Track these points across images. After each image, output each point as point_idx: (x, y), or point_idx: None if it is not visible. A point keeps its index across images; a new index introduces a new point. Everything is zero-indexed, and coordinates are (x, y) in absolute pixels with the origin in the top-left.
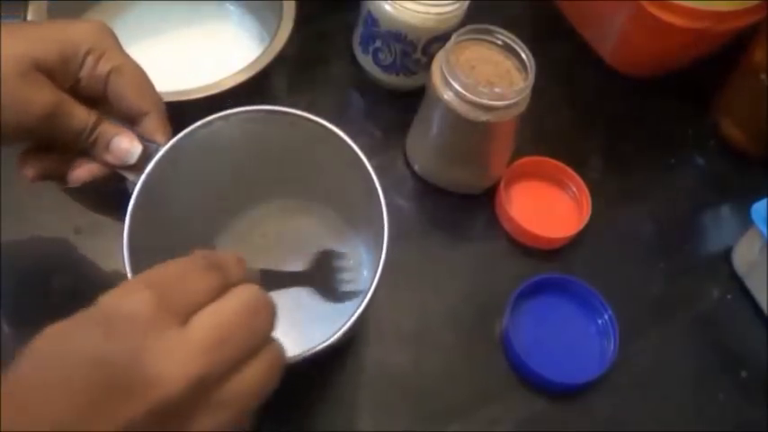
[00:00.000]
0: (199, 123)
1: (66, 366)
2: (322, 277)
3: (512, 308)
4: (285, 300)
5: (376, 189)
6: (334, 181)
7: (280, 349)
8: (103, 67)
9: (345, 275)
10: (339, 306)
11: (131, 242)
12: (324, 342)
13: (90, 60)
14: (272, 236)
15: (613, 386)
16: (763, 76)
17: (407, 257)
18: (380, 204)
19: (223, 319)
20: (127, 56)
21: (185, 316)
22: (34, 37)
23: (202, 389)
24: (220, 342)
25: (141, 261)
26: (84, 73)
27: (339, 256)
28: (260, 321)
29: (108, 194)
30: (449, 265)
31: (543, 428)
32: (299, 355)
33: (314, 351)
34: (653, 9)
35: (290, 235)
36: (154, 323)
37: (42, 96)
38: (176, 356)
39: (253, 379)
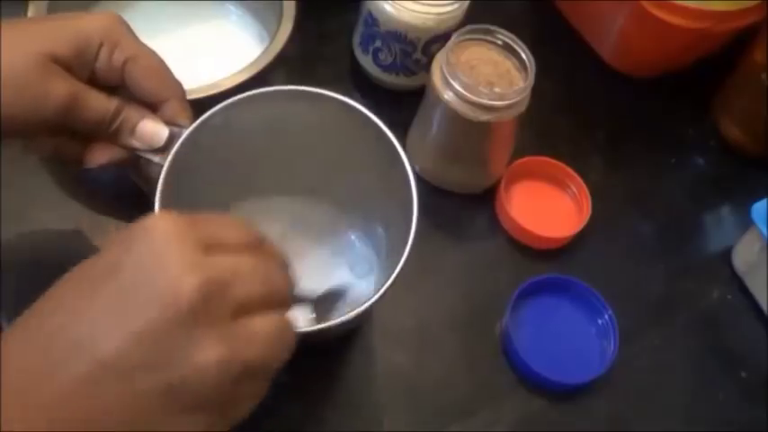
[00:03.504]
0: (220, 106)
1: (82, 278)
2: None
3: (512, 308)
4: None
5: (401, 158)
6: (353, 163)
7: (292, 323)
8: (118, 58)
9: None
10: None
11: None
12: (335, 320)
13: (104, 52)
14: (288, 221)
15: (613, 386)
16: (763, 76)
17: (407, 257)
18: (408, 175)
19: (243, 260)
20: (141, 44)
21: (205, 247)
22: (47, 32)
23: (212, 310)
24: (235, 274)
25: None
26: (99, 65)
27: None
28: (277, 280)
29: (109, 193)
30: (449, 265)
31: (543, 428)
32: (310, 328)
33: (322, 327)
34: (653, 9)
35: (305, 220)
36: (171, 240)
37: (59, 88)
38: (189, 270)
39: (263, 329)
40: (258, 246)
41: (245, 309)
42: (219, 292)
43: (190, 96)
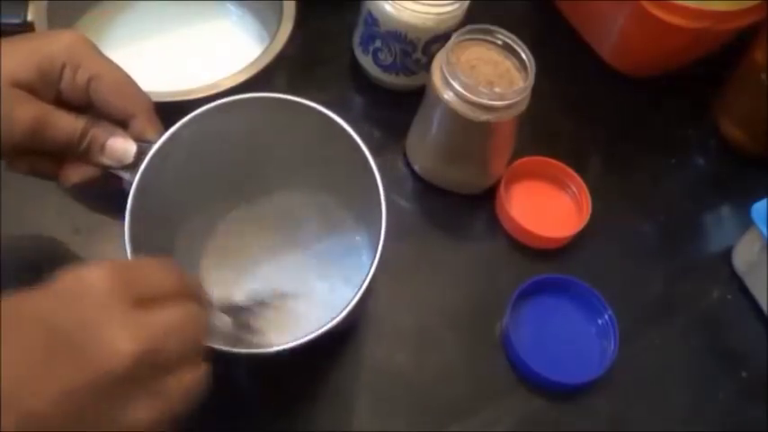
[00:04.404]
0: (187, 118)
1: (14, 328)
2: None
3: (512, 308)
4: (289, 290)
5: (374, 174)
6: (332, 170)
7: (206, 373)
8: (82, 77)
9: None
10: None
11: (133, 240)
12: (319, 329)
13: (68, 72)
14: (270, 227)
15: (613, 386)
16: (763, 76)
17: (407, 257)
18: (379, 191)
19: (172, 317)
20: (105, 62)
21: (138, 302)
22: (9, 57)
23: (145, 372)
24: (166, 335)
25: (146, 256)
26: (64, 85)
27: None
28: (198, 335)
29: (107, 194)
30: (449, 265)
31: (543, 428)
32: (293, 342)
33: (308, 338)
34: (653, 9)
35: (288, 226)
36: (108, 299)
37: (24, 111)
38: (125, 334)
39: (186, 382)
40: (184, 289)
41: (176, 364)
42: (153, 355)
43: (190, 96)
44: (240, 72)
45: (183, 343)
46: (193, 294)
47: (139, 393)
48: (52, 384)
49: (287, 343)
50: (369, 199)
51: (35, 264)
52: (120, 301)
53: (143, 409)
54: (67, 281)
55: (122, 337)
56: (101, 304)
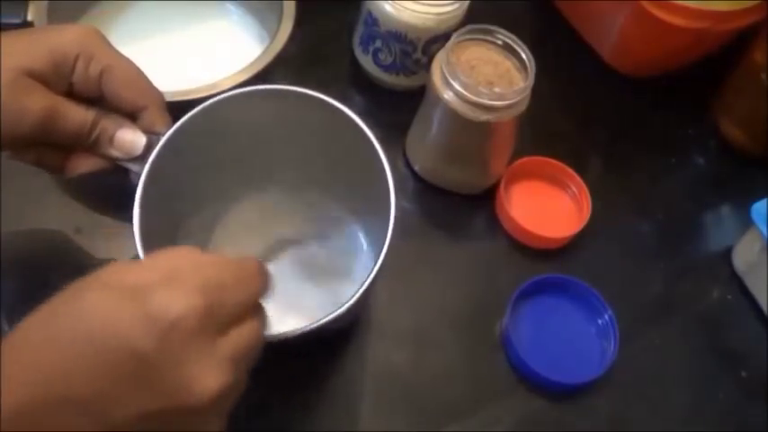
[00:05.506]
0: (196, 110)
1: (105, 348)
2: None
3: (512, 308)
4: (290, 288)
5: (382, 163)
6: (339, 163)
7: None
8: (94, 70)
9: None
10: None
11: (142, 232)
12: (322, 319)
13: (80, 64)
14: (274, 218)
15: (613, 386)
16: (763, 76)
17: (407, 257)
18: (387, 180)
19: (248, 339)
20: (117, 55)
21: (225, 328)
22: (24, 48)
23: (222, 401)
24: (240, 359)
25: (153, 248)
26: (76, 77)
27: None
28: (259, 347)
29: (108, 193)
30: (449, 265)
31: (543, 428)
32: (290, 332)
33: (310, 328)
34: (653, 9)
35: (291, 221)
36: (195, 333)
37: (36, 102)
38: (210, 372)
39: (240, 393)
40: (256, 300)
41: (243, 383)
42: (231, 385)
43: (190, 96)
44: (240, 72)
45: (251, 363)
46: (259, 303)
47: (213, 416)
48: (132, 405)
49: (286, 332)
50: (373, 194)
51: (36, 263)
52: (205, 332)
53: (210, 427)
54: (160, 307)
55: (207, 376)
56: (188, 338)
